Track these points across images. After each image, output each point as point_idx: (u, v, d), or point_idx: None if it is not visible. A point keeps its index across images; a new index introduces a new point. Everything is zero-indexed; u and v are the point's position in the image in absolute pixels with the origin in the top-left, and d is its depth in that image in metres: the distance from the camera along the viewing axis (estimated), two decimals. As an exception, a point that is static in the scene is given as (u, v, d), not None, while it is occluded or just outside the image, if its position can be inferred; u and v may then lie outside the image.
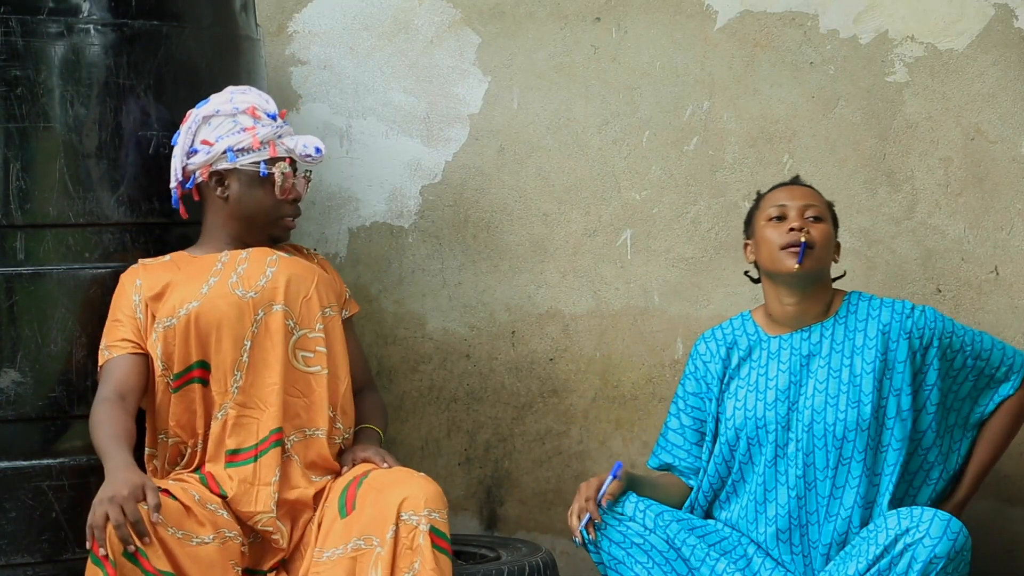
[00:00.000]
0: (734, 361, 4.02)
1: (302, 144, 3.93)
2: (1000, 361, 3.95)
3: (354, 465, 3.86)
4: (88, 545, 3.54)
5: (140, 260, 3.91)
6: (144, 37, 3.91)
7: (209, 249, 3.93)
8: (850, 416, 3.89)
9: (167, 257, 3.93)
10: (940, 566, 3.67)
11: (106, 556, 3.51)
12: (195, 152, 3.89)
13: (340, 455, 3.92)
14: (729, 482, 4.00)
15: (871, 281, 4.52)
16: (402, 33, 4.66)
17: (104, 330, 3.87)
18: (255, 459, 3.79)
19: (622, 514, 3.93)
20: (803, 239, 3.90)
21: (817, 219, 3.94)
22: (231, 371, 3.81)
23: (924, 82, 4.50)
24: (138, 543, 3.52)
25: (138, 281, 3.87)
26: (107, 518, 3.52)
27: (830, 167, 4.54)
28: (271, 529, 3.78)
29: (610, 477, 3.89)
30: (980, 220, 4.50)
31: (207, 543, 3.66)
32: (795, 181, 4.05)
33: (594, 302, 4.63)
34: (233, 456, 3.81)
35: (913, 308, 3.95)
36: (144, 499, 3.56)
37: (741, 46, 4.55)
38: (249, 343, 3.81)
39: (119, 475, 3.60)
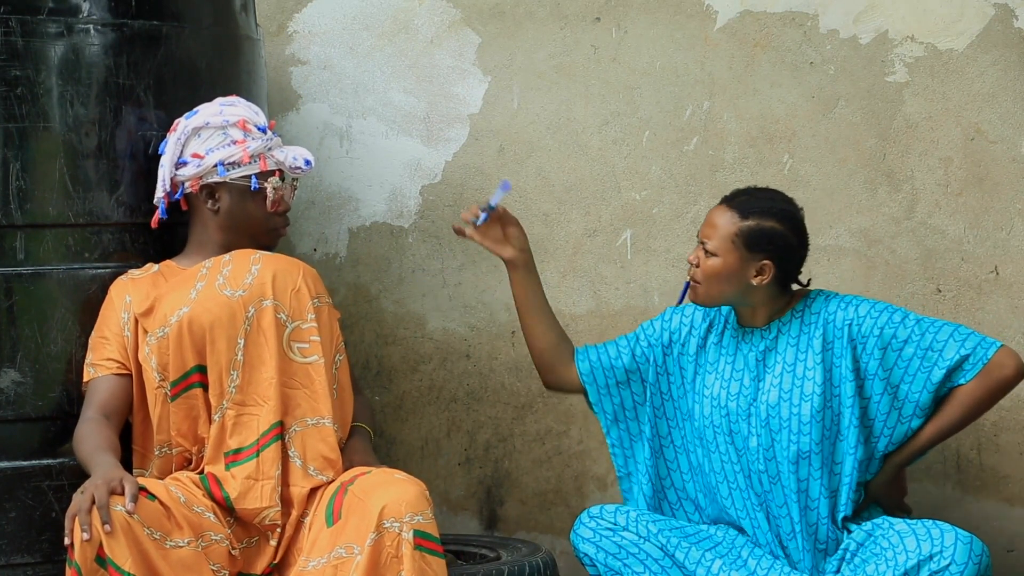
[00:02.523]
0: (711, 339, 4.02)
1: (291, 157, 3.93)
2: (956, 352, 3.86)
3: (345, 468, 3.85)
4: (68, 540, 3.54)
5: (128, 272, 3.91)
6: (144, 37, 3.91)
7: (197, 258, 3.93)
8: (803, 409, 3.88)
9: (155, 267, 3.93)
10: None
11: (71, 545, 3.53)
12: (184, 164, 3.89)
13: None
14: (707, 472, 4.01)
15: (871, 281, 4.52)
16: (402, 33, 4.66)
17: (90, 342, 3.87)
18: (256, 455, 3.79)
19: (615, 524, 3.93)
20: (688, 276, 3.92)
21: (709, 253, 3.90)
22: (227, 371, 3.81)
23: (924, 82, 4.50)
24: (100, 530, 3.52)
25: (128, 297, 3.87)
26: (78, 506, 3.55)
27: (830, 167, 4.54)
28: (277, 523, 3.77)
29: (501, 191, 4.02)
30: (980, 220, 4.50)
31: (181, 546, 3.64)
32: (725, 199, 3.96)
33: (594, 302, 4.63)
34: (235, 456, 3.80)
35: (852, 301, 3.92)
36: (121, 491, 3.57)
37: (741, 46, 4.55)
38: (243, 341, 3.81)
39: (100, 471, 3.63)
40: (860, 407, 3.88)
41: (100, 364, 3.85)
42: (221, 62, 4.06)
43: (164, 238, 3.97)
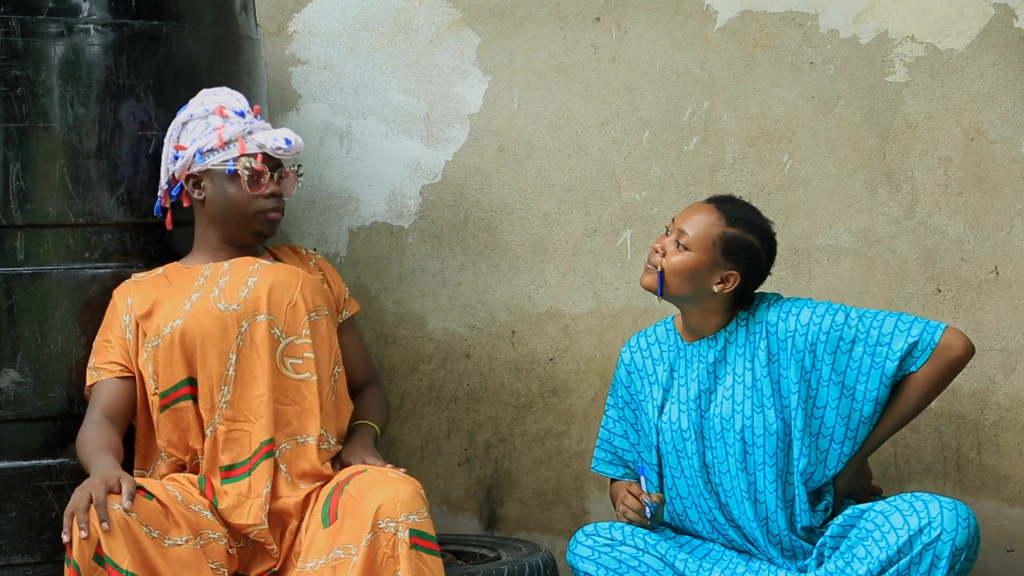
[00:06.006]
0: (663, 378, 3.99)
1: (272, 138, 3.89)
2: (904, 342, 3.84)
3: (342, 469, 3.83)
4: (65, 538, 3.54)
5: (133, 275, 3.91)
6: (144, 37, 3.91)
7: (200, 257, 3.93)
8: (756, 421, 3.86)
9: (160, 270, 3.92)
10: (963, 556, 3.68)
11: (69, 543, 3.52)
12: (176, 159, 3.89)
13: (335, 459, 3.90)
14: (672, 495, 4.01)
15: (871, 281, 4.52)
16: (402, 33, 4.66)
17: (94, 346, 3.87)
18: (249, 474, 3.78)
19: (612, 539, 3.92)
20: (659, 267, 3.88)
21: (680, 246, 3.88)
22: (218, 386, 3.79)
23: (924, 82, 4.50)
24: (98, 528, 3.52)
25: (129, 300, 3.86)
26: (76, 505, 3.55)
27: (830, 167, 4.54)
28: (264, 540, 3.77)
29: (644, 480, 3.93)
30: (980, 220, 4.50)
31: (180, 544, 3.64)
32: (713, 200, 3.95)
33: (594, 302, 4.63)
34: (229, 472, 3.79)
35: (791, 309, 3.89)
36: (118, 490, 3.56)
37: (741, 46, 4.55)
38: (235, 356, 3.80)
39: (98, 471, 3.64)
40: (805, 418, 3.86)
41: (103, 368, 3.85)
42: (221, 62, 4.06)
43: (164, 238, 3.97)
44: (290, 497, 3.79)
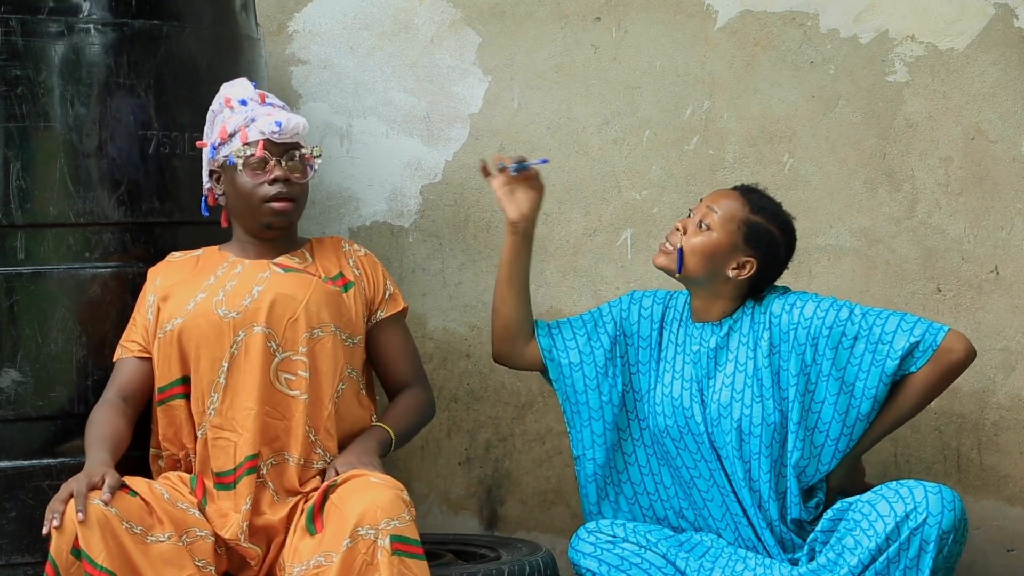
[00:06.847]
0: (667, 334, 4.00)
1: (267, 122, 3.81)
2: (906, 341, 3.84)
3: (337, 473, 3.76)
4: (44, 531, 3.53)
5: (171, 254, 3.91)
6: (144, 37, 3.91)
7: (233, 248, 3.90)
8: (754, 411, 3.87)
9: (199, 251, 3.91)
10: (951, 539, 3.69)
11: (56, 528, 3.51)
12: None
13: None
14: (667, 470, 3.99)
15: (871, 281, 4.52)
16: (402, 33, 4.66)
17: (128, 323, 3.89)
18: (233, 486, 3.75)
19: (615, 536, 3.92)
20: (679, 244, 3.90)
21: (703, 226, 3.90)
22: (208, 392, 3.77)
23: (924, 82, 4.50)
24: (74, 520, 3.50)
25: (158, 280, 3.86)
26: (56, 498, 3.54)
27: (830, 167, 4.54)
28: (243, 555, 3.75)
29: (541, 161, 4.00)
30: (980, 220, 4.50)
31: (162, 541, 3.60)
32: (739, 188, 3.98)
33: (594, 302, 4.63)
34: (218, 479, 3.77)
35: (796, 303, 3.90)
36: (100, 485, 3.55)
37: (741, 46, 4.55)
38: (227, 365, 3.76)
39: (88, 465, 3.63)
40: (801, 411, 3.86)
41: (126, 345, 3.85)
42: (221, 62, 4.06)
43: (165, 238, 3.97)
44: (275, 514, 3.75)
